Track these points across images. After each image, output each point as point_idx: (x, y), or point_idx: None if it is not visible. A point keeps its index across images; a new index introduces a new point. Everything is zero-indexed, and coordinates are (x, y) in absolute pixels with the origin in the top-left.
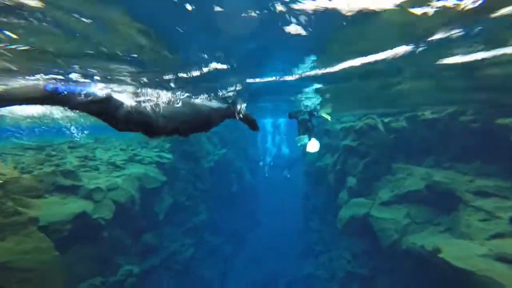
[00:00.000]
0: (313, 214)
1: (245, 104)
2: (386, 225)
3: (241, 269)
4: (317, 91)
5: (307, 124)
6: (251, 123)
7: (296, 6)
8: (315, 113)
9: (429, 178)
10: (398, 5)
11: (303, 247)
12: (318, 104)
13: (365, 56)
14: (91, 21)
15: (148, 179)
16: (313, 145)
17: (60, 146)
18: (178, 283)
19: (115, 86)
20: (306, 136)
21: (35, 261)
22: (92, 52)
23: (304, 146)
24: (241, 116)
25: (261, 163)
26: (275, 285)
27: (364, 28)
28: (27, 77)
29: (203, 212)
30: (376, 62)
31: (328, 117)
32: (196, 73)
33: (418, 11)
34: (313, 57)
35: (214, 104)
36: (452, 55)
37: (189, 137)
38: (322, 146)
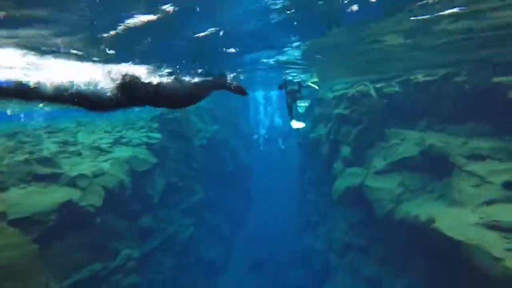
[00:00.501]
0: (309, 186)
1: (232, 75)
2: (381, 195)
3: (241, 247)
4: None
5: (295, 94)
6: (239, 89)
7: None
8: (303, 83)
9: (423, 143)
10: None
11: (301, 220)
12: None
13: None
14: None
15: (138, 162)
16: (298, 123)
17: (35, 132)
18: (179, 264)
19: None
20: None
21: (10, 258)
22: None
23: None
24: (229, 84)
25: (255, 136)
26: (276, 260)
27: None
28: None
29: (199, 192)
30: None
31: (316, 86)
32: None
33: None
34: None
35: (196, 79)
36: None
37: (177, 116)
38: (315, 116)
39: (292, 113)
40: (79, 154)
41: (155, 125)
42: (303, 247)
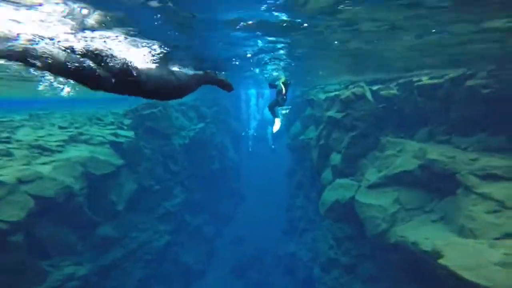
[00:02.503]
0: (298, 190)
1: (223, 72)
2: (373, 213)
3: (225, 249)
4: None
5: (283, 95)
6: (227, 85)
7: None
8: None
9: (423, 156)
10: None
11: (287, 224)
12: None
13: None
14: None
15: (97, 164)
16: (277, 125)
17: None
18: (153, 274)
19: None
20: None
21: None
22: None
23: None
24: (217, 79)
25: (243, 133)
26: (260, 265)
27: None
28: None
29: (179, 195)
30: None
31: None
32: None
33: None
34: None
35: (190, 71)
36: None
37: (154, 112)
38: (305, 117)
39: (274, 114)
40: (9, 155)
41: (128, 121)
42: (288, 253)
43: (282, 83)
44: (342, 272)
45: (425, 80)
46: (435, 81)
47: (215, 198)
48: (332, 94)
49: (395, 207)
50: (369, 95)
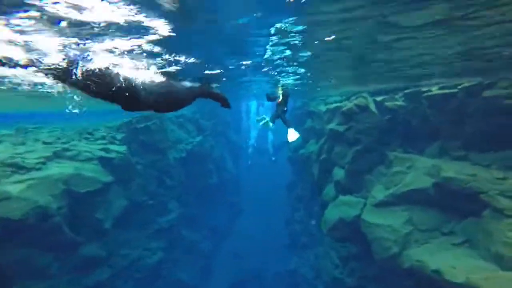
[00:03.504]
0: (298, 204)
1: (216, 84)
2: (382, 234)
3: (222, 266)
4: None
5: (283, 108)
6: (223, 101)
7: None
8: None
9: (437, 174)
10: None
11: (288, 239)
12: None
13: None
14: None
15: (82, 181)
16: (293, 134)
17: None
18: None
19: None
20: (265, 117)
21: None
22: None
23: (265, 125)
24: (214, 94)
25: (245, 146)
26: (259, 281)
27: None
28: None
29: (174, 210)
30: None
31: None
32: None
33: None
34: None
35: (187, 83)
36: None
37: (149, 125)
38: (305, 130)
39: (288, 123)
40: None
41: (120, 135)
42: (289, 270)
43: (282, 94)
44: None
45: (435, 90)
46: (446, 91)
47: (212, 212)
48: (333, 105)
49: (407, 228)
50: (372, 107)
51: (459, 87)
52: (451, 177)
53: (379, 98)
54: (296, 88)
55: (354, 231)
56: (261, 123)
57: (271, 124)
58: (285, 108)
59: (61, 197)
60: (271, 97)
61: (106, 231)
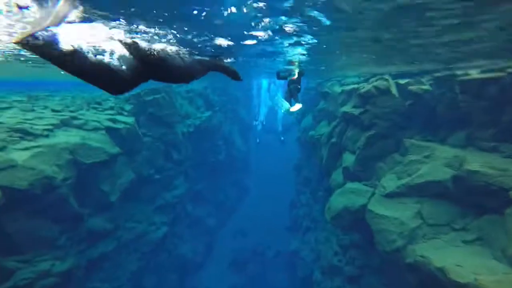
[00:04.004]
0: (304, 187)
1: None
2: (388, 226)
3: (225, 242)
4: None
5: (297, 85)
6: (233, 73)
7: None
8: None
9: (459, 166)
10: None
11: (291, 221)
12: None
13: None
14: None
15: (88, 151)
16: (297, 106)
17: None
18: (147, 266)
19: None
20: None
21: None
22: None
23: (287, 111)
24: (225, 67)
25: (255, 123)
26: (260, 258)
27: None
28: None
29: (181, 186)
30: None
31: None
32: None
33: None
34: None
35: (198, 57)
36: None
37: (157, 98)
38: (318, 111)
39: (296, 98)
40: None
41: (128, 107)
42: (290, 251)
43: (298, 72)
44: (344, 281)
45: (474, 74)
46: (489, 75)
47: (219, 189)
48: (350, 87)
49: (415, 222)
50: (394, 90)
51: (508, 70)
52: (475, 170)
53: (402, 81)
54: (309, 67)
55: (358, 220)
56: (283, 110)
57: (293, 108)
58: (299, 86)
59: (67, 168)
60: (282, 76)
61: (112, 204)
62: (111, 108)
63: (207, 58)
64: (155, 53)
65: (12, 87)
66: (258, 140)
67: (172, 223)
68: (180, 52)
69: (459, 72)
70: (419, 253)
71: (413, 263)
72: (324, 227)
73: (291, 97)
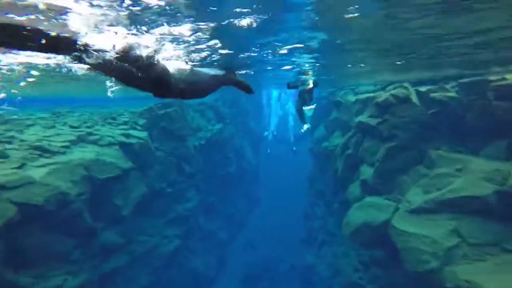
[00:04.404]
0: (318, 199)
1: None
2: (418, 245)
3: (237, 256)
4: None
5: (310, 95)
6: (246, 88)
7: None
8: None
9: (503, 181)
10: None
11: (305, 234)
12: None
13: None
14: None
15: (102, 167)
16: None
17: None
18: (159, 280)
19: None
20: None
21: None
22: None
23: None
24: (237, 81)
25: (265, 133)
26: (273, 274)
27: None
28: None
29: (193, 198)
30: None
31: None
32: None
33: None
34: None
35: (212, 71)
36: None
37: (169, 112)
38: (330, 121)
39: (303, 117)
40: (3, 156)
41: (142, 121)
42: (305, 265)
43: (313, 82)
44: None
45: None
46: None
47: (230, 201)
48: (364, 96)
49: (452, 241)
50: (414, 98)
51: None
52: None
53: (423, 89)
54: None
55: (380, 237)
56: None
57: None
58: (311, 96)
59: (81, 183)
60: (292, 85)
61: (124, 218)
62: (125, 123)
63: (221, 73)
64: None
65: (44, 104)
66: (269, 151)
67: (185, 236)
68: (194, 68)
69: (492, 77)
70: (462, 276)
71: None
72: (342, 241)
73: (303, 104)
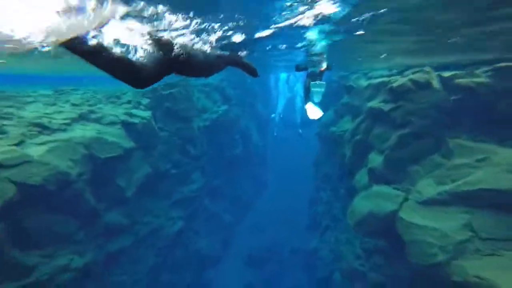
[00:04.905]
0: (324, 184)
1: (245, 53)
2: (426, 238)
3: (242, 238)
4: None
5: (317, 78)
6: (252, 71)
7: None
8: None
9: None
10: None
11: (310, 218)
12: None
13: None
14: None
15: (103, 146)
16: (314, 112)
17: None
18: (165, 261)
19: None
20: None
21: None
22: None
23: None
24: (243, 63)
25: (273, 115)
26: (277, 258)
27: None
28: None
29: (198, 180)
30: None
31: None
32: None
33: None
34: None
35: (217, 50)
36: None
37: (173, 92)
38: (340, 106)
39: (308, 96)
40: (3, 132)
41: (145, 101)
42: (308, 249)
43: (326, 65)
44: (366, 287)
45: None
46: None
47: (236, 184)
48: (377, 80)
49: (463, 234)
50: (436, 84)
51: None
52: None
53: (447, 74)
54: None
55: (386, 228)
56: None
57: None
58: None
59: (82, 162)
60: (302, 68)
61: (128, 199)
62: (129, 102)
63: (226, 53)
64: (181, 49)
65: (49, 81)
66: (275, 133)
67: (190, 217)
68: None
69: None
70: (471, 272)
71: (463, 283)
72: (345, 227)
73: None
